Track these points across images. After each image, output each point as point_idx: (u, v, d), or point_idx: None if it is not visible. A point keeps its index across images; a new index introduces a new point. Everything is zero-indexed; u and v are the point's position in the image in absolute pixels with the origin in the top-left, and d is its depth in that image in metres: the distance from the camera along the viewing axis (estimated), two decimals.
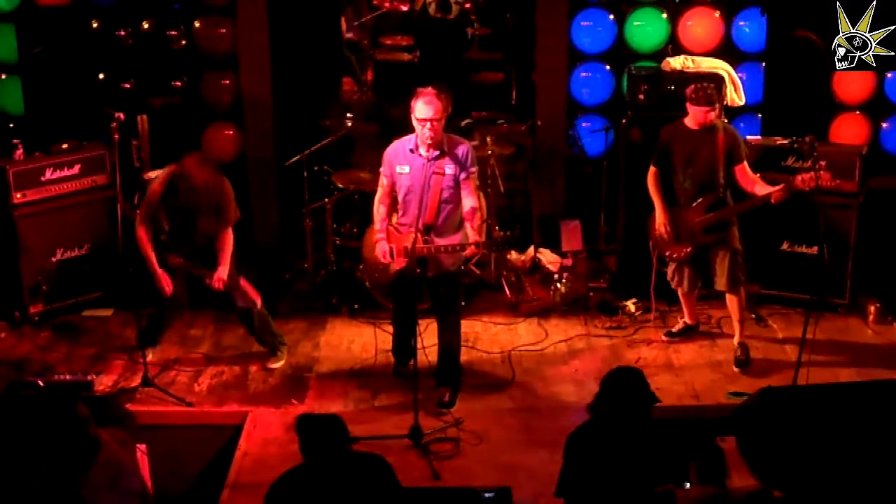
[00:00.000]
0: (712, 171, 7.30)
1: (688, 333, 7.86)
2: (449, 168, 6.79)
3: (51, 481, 4.52)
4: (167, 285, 7.23)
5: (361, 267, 8.08)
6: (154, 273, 7.20)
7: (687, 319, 7.87)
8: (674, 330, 7.91)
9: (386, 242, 6.91)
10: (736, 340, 7.58)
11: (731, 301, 7.51)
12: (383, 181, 6.98)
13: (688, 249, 7.45)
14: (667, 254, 7.54)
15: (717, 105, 7.30)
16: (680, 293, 7.75)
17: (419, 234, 6.69)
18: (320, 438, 4.78)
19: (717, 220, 7.34)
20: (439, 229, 6.84)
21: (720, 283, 7.44)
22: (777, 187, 7.18)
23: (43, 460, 4.57)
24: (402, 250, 6.77)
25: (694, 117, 7.30)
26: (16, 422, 4.83)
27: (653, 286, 7.82)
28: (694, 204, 7.38)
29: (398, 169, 6.86)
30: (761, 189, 7.26)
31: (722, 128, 7.34)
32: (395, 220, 7.01)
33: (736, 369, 7.46)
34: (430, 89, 6.70)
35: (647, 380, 5.12)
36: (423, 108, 6.67)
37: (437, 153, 6.77)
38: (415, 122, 6.73)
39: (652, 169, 7.54)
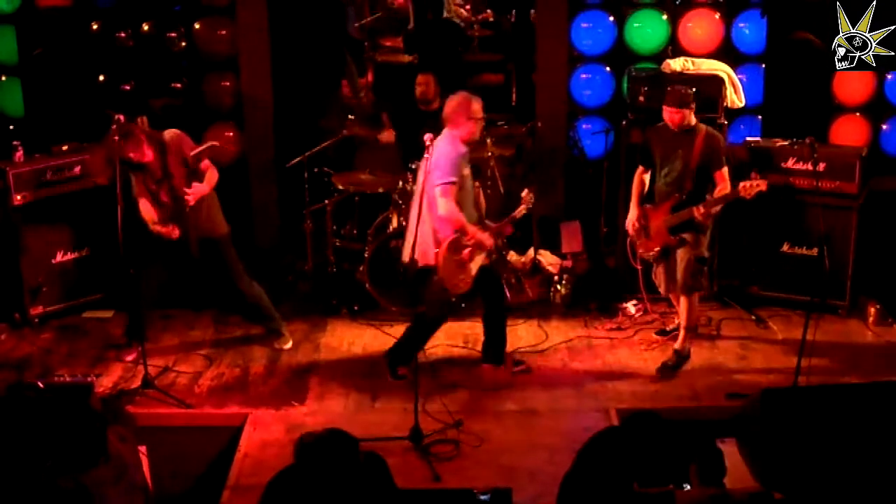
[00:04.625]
0: (684, 173, 7.26)
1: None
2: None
3: (57, 475, 4.53)
4: (172, 231, 7.31)
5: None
6: (158, 232, 7.31)
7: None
8: (667, 329, 7.90)
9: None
10: (676, 346, 7.50)
11: (682, 303, 7.44)
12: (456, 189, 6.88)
13: (656, 249, 7.43)
14: (639, 252, 7.54)
15: (686, 109, 7.19)
16: (663, 294, 7.73)
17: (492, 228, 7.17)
18: (326, 461, 4.71)
19: (680, 221, 7.28)
20: None
21: (677, 283, 7.39)
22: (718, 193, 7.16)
23: (48, 456, 4.58)
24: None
25: (665, 116, 7.28)
26: (20, 419, 4.84)
27: (641, 284, 7.76)
28: (663, 204, 7.37)
29: (465, 170, 6.99)
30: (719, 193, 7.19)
31: (704, 132, 7.28)
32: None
33: (656, 373, 7.37)
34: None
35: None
36: (480, 108, 6.94)
37: None
38: (473, 122, 6.90)
39: (639, 168, 7.56)
